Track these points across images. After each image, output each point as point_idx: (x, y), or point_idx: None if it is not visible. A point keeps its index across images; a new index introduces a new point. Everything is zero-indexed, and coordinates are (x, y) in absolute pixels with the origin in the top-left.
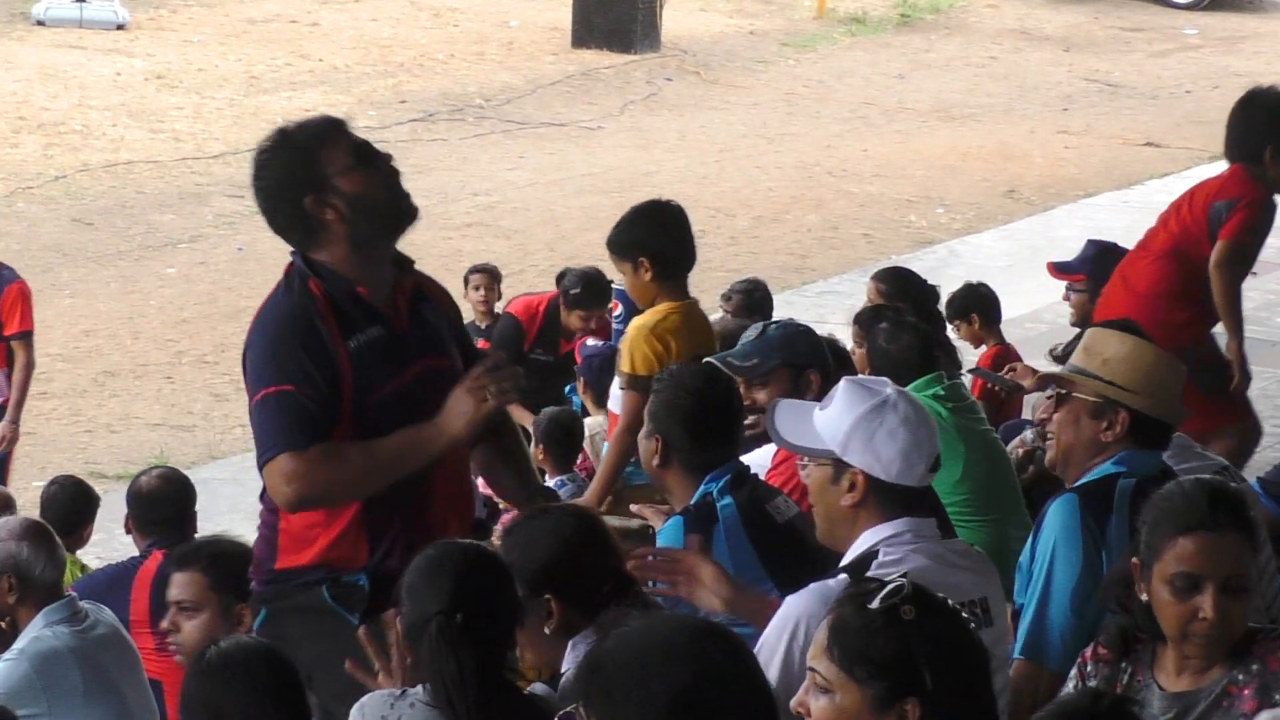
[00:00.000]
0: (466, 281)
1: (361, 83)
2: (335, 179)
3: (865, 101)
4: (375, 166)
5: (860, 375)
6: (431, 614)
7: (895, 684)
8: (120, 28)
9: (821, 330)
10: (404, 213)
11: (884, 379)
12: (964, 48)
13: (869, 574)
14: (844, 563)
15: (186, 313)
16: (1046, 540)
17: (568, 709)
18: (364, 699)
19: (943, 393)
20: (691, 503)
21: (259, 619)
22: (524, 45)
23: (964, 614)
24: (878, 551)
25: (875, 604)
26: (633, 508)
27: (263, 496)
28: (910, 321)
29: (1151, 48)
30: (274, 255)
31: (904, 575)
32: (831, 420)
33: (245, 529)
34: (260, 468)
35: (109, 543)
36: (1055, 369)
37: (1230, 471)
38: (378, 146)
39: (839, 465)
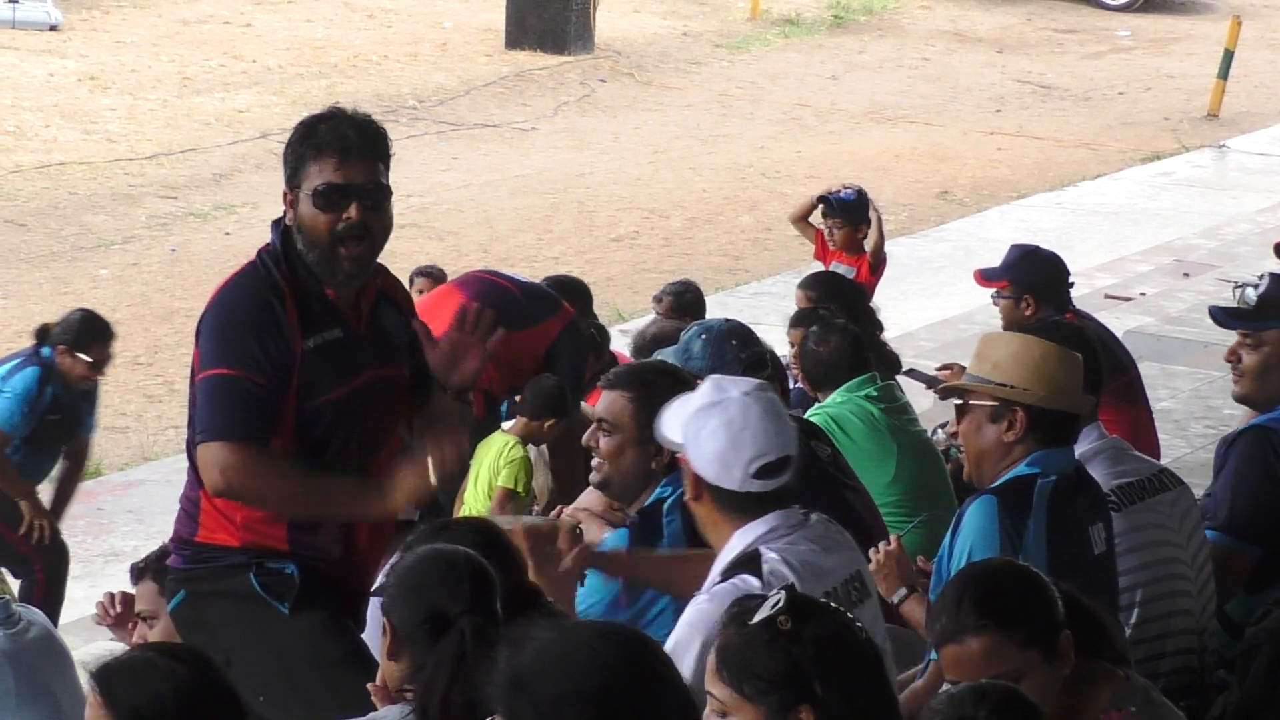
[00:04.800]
0: (410, 284)
1: (295, 84)
2: (302, 193)
3: (799, 103)
4: (334, 211)
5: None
6: (456, 613)
7: (785, 696)
8: (53, 28)
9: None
10: (333, 269)
11: (743, 379)
12: (897, 49)
13: (763, 579)
14: (725, 565)
15: (119, 314)
16: (963, 541)
17: None
18: None
19: (875, 394)
20: (646, 505)
21: (175, 599)
22: (458, 46)
23: (844, 594)
24: (759, 551)
25: (755, 620)
26: (569, 510)
27: (190, 471)
28: (839, 323)
29: (1084, 49)
30: (207, 256)
31: (784, 587)
32: (674, 415)
33: None
34: (195, 445)
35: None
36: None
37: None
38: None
39: (687, 463)
